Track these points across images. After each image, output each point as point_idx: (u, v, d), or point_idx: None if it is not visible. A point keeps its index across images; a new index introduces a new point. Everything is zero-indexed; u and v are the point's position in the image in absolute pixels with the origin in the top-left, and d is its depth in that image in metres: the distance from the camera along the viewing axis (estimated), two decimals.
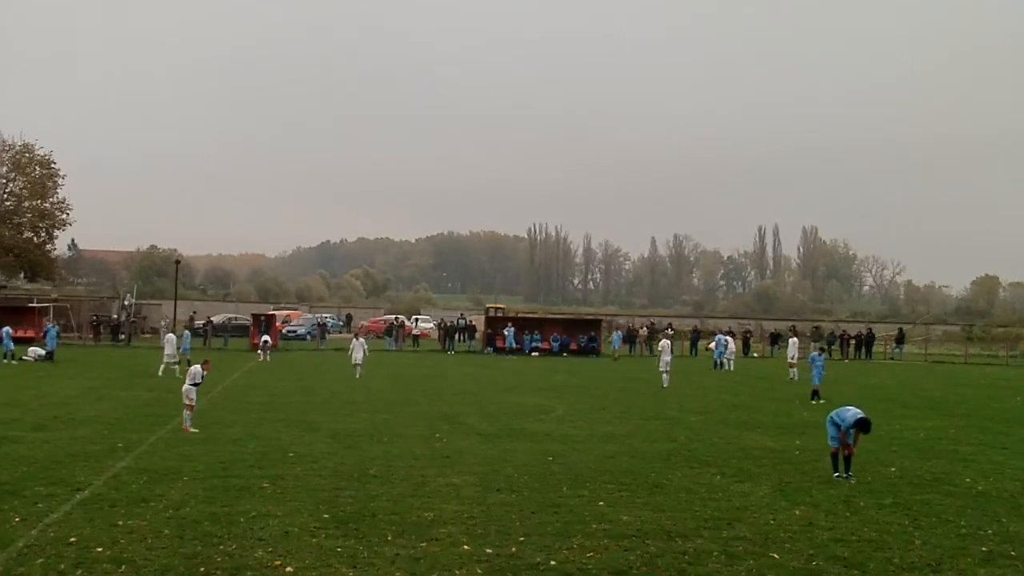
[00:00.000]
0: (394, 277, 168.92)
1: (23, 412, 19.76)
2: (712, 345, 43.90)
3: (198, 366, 18.38)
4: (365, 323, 68.46)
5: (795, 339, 35.39)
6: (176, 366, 30.40)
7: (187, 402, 17.75)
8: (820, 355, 26.16)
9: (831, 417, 13.77)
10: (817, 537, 9.97)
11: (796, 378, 32.15)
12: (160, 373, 29.98)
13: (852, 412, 13.54)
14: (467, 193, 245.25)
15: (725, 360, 38.85)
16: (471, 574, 8.41)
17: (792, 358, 33.32)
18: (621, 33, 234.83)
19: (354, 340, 31.94)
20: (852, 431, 13.36)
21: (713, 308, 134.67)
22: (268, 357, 38.98)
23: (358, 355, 30.37)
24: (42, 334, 38.46)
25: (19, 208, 60.98)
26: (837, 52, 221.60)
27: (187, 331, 37.96)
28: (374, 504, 11.10)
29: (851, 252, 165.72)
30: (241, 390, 26.13)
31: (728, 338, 42.17)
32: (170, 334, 34.77)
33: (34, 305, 52.99)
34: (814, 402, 24.39)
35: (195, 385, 17.85)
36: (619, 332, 51.27)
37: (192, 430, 17.33)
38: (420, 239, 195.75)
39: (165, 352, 31.33)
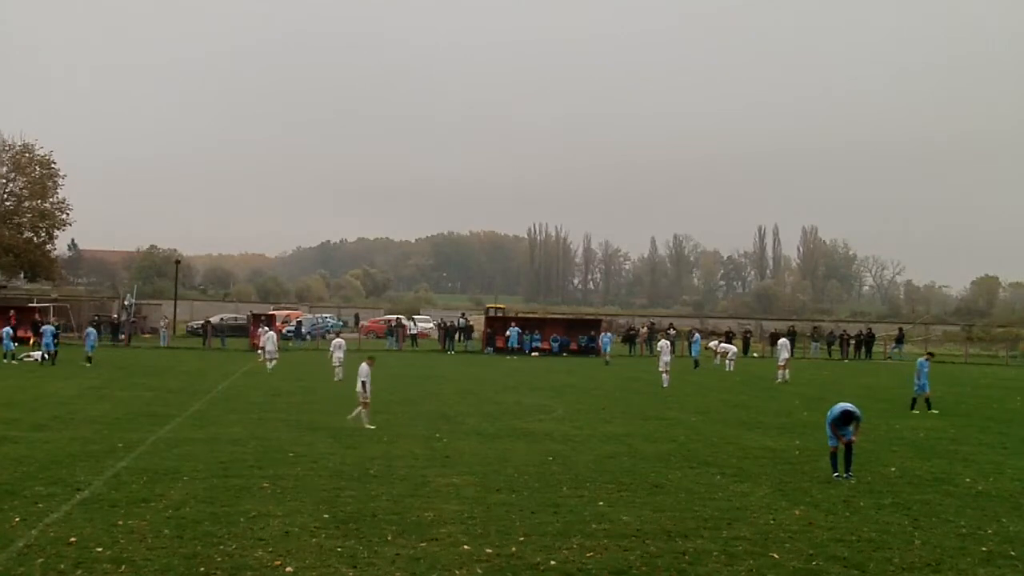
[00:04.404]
0: (394, 277, 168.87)
1: (23, 412, 19.76)
2: (712, 345, 44.00)
3: (365, 364, 18.77)
4: (365, 323, 68.48)
5: (785, 340, 35.25)
6: (272, 362, 33.25)
7: (362, 400, 18.34)
8: (927, 361, 24.76)
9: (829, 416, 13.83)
10: (817, 537, 9.97)
11: (787, 379, 32.07)
12: (270, 369, 32.65)
13: (839, 406, 13.61)
14: (467, 193, 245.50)
15: (728, 362, 38.81)
16: (471, 574, 8.41)
17: (782, 360, 33.13)
18: (621, 34, 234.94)
19: (333, 340, 32.05)
20: (851, 427, 13.39)
21: (713, 308, 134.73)
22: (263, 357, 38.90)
23: (338, 355, 29.80)
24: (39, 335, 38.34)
25: (19, 208, 61.01)
26: (837, 52, 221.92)
27: (92, 329, 38.19)
28: (374, 504, 11.10)
29: (851, 252, 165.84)
30: (241, 390, 26.13)
31: (699, 334, 43.21)
32: (271, 332, 36.03)
33: (34, 305, 53.03)
34: (916, 411, 23.09)
35: (363, 383, 18.33)
36: (609, 334, 48.41)
37: (369, 426, 17.94)
38: (420, 239, 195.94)
39: (267, 350, 33.93)
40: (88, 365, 33.75)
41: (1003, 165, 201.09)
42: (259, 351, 40.52)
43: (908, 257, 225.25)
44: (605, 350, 45.02)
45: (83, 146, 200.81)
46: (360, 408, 18.49)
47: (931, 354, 26.12)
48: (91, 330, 37.54)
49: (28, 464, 13.36)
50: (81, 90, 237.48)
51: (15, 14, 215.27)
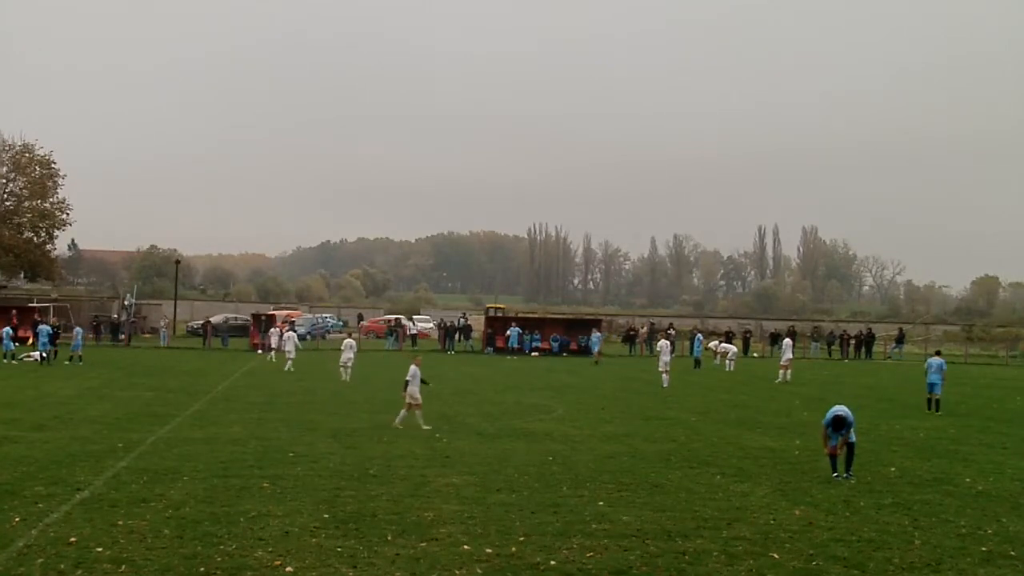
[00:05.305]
0: (394, 277, 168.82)
1: (23, 412, 19.75)
2: (712, 345, 44.01)
3: (415, 366, 18.59)
4: (365, 323, 68.44)
5: (789, 340, 35.23)
6: (288, 362, 33.70)
7: (410, 401, 18.22)
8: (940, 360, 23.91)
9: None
10: (817, 537, 9.96)
11: (788, 379, 32.04)
12: (287, 369, 33.00)
13: (832, 411, 13.57)
14: (467, 193, 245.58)
15: (728, 362, 38.81)
16: (471, 574, 8.40)
17: (785, 360, 33.13)
18: (621, 34, 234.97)
19: (345, 340, 32.08)
20: (843, 432, 13.36)
21: (713, 308, 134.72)
22: (274, 356, 38.90)
23: (348, 355, 29.65)
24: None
25: (19, 208, 61.00)
26: (837, 52, 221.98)
27: (80, 328, 38.33)
28: (374, 504, 11.09)
29: (851, 252, 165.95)
30: (241, 390, 26.13)
31: (700, 334, 43.46)
32: (290, 332, 36.39)
33: (34, 305, 53.04)
34: (938, 412, 22.94)
35: (408, 382, 18.24)
36: (598, 333, 47.20)
37: (425, 427, 17.94)
38: (420, 239, 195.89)
39: (286, 349, 34.71)
40: (69, 363, 34.01)
41: (1003, 165, 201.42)
42: (259, 350, 40.62)
43: (908, 257, 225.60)
44: (594, 349, 44.32)
45: (83, 146, 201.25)
46: (415, 410, 18.31)
47: (938, 352, 26.02)
48: (79, 329, 37.72)
49: (28, 464, 13.35)
50: (81, 90, 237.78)
51: (15, 14, 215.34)
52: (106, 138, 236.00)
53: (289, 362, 33.58)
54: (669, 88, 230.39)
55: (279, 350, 39.09)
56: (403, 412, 18.31)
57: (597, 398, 25.70)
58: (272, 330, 41.89)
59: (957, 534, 10.26)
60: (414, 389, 18.19)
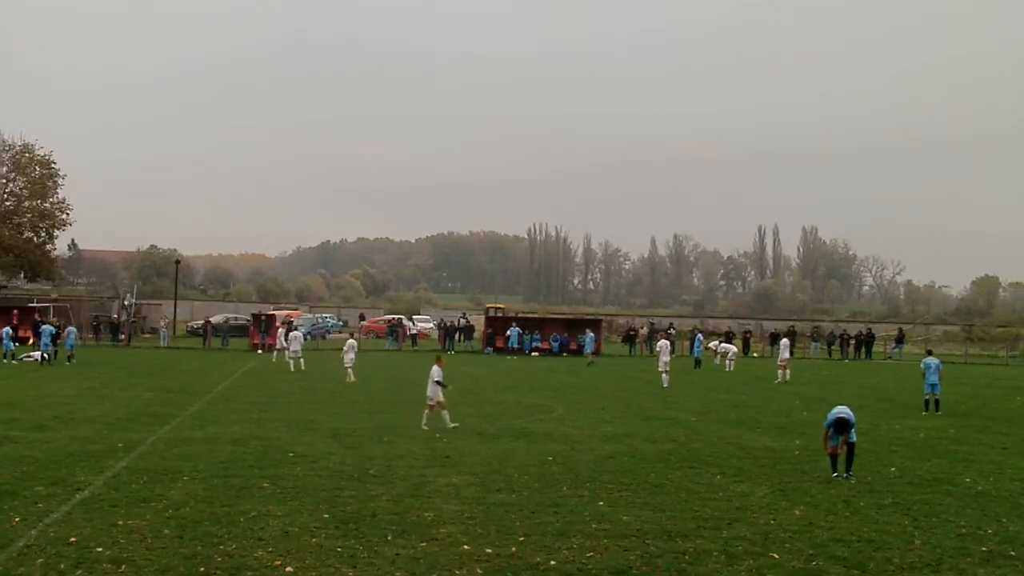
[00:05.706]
0: (394, 277, 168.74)
1: (23, 412, 19.76)
2: (712, 345, 44.01)
3: (437, 367, 18.48)
4: (365, 323, 68.42)
5: (786, 340, 35.24)
6: (300, 360, 33.63)
7: (430, 402, 18.14)
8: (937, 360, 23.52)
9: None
10: (817, 537, 9.97)
11: (788, 379, 32.05)
12: (292, 369, 33.05)
13: (834, 413, 13.55)
14: (467, 193, 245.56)
15: (728, 362, 38.81)
16: (471, 574, 8.41)
17: (783, 360, 33.13)
18: (621, 34, 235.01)
19: (348, 340, 31.99)
20: (845, 433, 13.34)
21: (713, 308, 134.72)
22: (276, 356, 38.83)
23: (350, 356, 29.60)
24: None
25: (19, 208, 61.01)
26: (837, 52, 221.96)
27: (72, 328, 38.40)
28: (374, 504, 11.10)
29: (851, 252, 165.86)
30: (241, 390, 26.12)
31: (701, 334, 43.46)
32: (295, 332, 36.28)
33: (34, 305, 53.04)
34: (939, 412, 22.70)
35: (439, 384, 18.14)
36: (591, 334, 46.05)
37: (424, 427, 17.84)
38: (420, 239, 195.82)
39: (291, 349, 34.44)
40: (68, 364, 34.00)
41: (1003, 165, 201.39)
42: (259, 350, 40.63)
43: (908, 257, 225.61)
44: (587, 350, 44.12)
45: (83, 146, 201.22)
46: (442, 411, 18.16)
47: (929, 352, 25.94)
48: (71, 329, 37.69)
49: (28, 464, 13.36)
50: (81, 90, 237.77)
51: (15, 14, 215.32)
52: (106, 138, 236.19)
53: (296, 361, 33.54)
54: (669, 88, 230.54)
55: (282, 350, 39.09)
56: (444, 413, 18.21)
57: (597, 398, 25.70)
58: (279, 330, 41.87)
59: (957, 534, 10.26)
60: (434, 390, 18.14)
